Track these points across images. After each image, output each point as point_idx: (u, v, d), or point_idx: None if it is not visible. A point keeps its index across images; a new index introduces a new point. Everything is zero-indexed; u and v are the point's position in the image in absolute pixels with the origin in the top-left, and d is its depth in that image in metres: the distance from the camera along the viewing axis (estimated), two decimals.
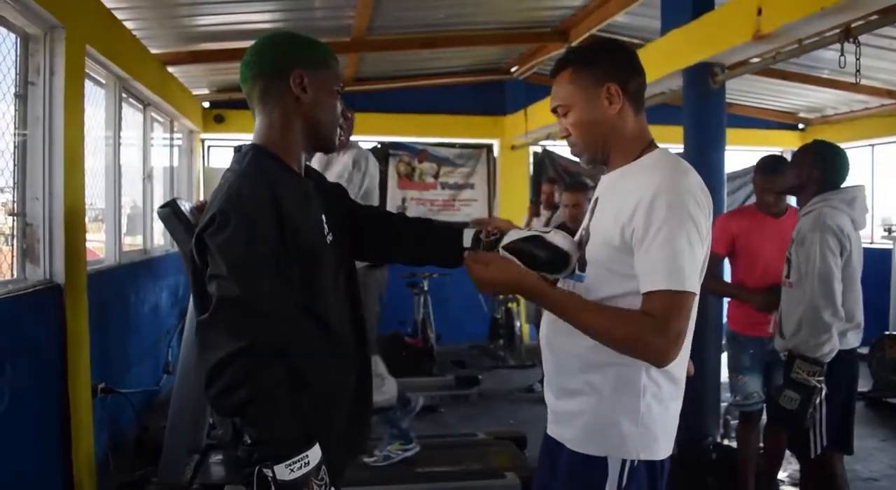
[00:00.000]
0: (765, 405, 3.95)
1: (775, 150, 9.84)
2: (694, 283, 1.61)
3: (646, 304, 1.61)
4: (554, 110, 1.85)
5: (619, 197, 1.71)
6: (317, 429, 1.56)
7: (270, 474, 1.44)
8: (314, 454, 1.50)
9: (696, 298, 1.64)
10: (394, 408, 3.81)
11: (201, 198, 7.91)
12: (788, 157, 3.57)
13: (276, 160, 1.69)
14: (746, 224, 3.78)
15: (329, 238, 1.73)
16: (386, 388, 3.74)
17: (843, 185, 3.20)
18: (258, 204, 1.55)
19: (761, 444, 3.99)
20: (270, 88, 1.72)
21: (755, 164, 3.91)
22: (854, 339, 3.15)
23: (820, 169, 3.18)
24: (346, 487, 1.79)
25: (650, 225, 1.60)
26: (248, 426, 1.47)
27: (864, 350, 6.20)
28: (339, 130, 1.82)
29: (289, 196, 1.61)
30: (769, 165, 3.80)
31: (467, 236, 1.91)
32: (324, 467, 1.52)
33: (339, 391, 1.73)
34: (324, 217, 1.74)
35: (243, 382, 1.45)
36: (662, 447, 1.73)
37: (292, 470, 1.45)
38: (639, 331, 1.59)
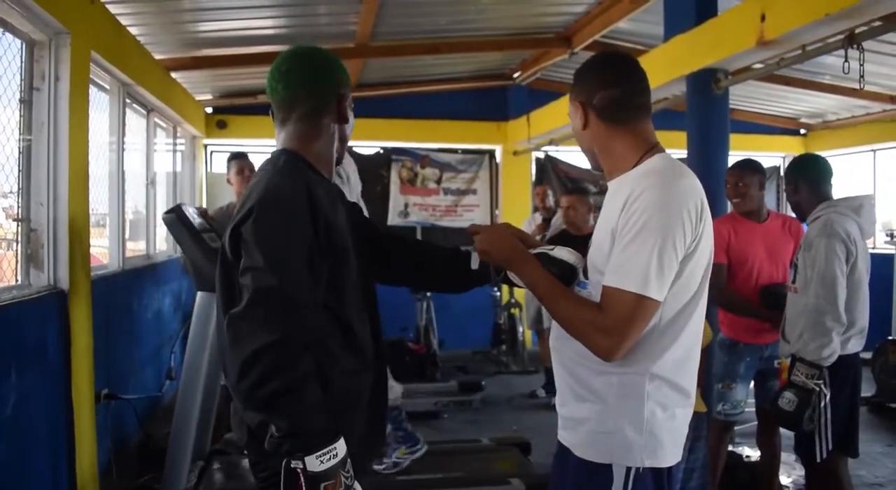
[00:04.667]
0: (756, 412, 3.95)
1: (778, 156, 9.88)
2: (656, 290, 1.61)
3: (603, 298, 1.66)
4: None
5: (612, 205, 1.74)
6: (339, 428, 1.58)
7: (300, 466, 1.46)
8: (341, 447, 1.53)
9: (658, 305, 1.64)
10: (398, 408, 3.83)
11: (204, 204, 7.91)
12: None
13: (309, 165, 1.77)
14: (735, 230, 3.77)
15: (352, 244, 1.78)
16: (393, 394, 3.77)
17: (840, 191, 3.30)
18: (295, 198, 1.61)
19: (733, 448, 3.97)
20: (321, 103, 1.79)
21: (736, 166, 3.88)
22: (857, 344, 3.16)
23: (806, 177, 3.30)
24: None
25: (627, 223, 1.64)
26: (279, 418, 1.48)
27: (867, 355, 6.19)
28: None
29: (321, 195, 1.68)
30: (741, 162, 3.85)
31: (475, 259, 1.96)
32: (349, 461, 1.54)
33: (357, 393, 1.76)
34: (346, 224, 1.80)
35: (276, 374, 1.47)
36: (669, 454, 1.72)
37: (322, 461, 1.47)
38: (586, 325, 1.66)
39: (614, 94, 1.79)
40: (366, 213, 3.94)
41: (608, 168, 1.82)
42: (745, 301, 3.72)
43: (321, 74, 1.81)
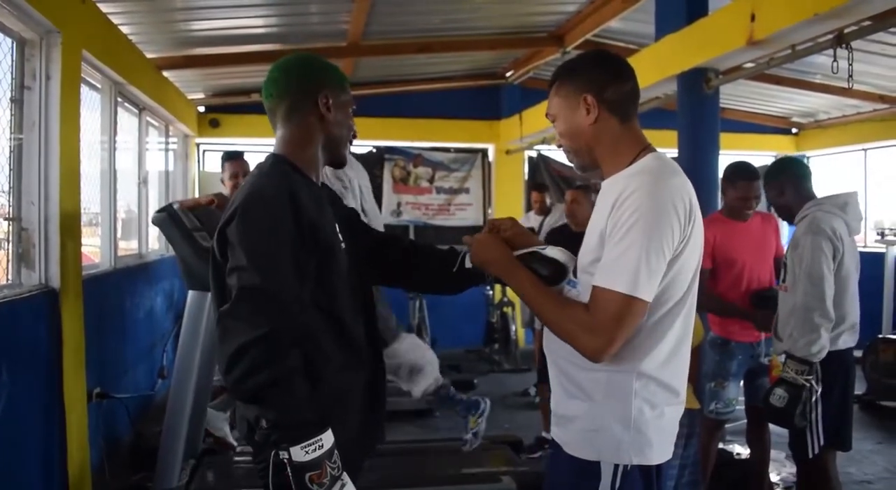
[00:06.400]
0: (745, 409, 3.97)
1: (769, 155, 9.92)
2: (645, 290, 1.61)
3: (592, 298, 1.66)
4: (548, 118, 1.92)
5: (602, 204, 1.74)
6: (329, 422, 1.62)
7: (286, 456, 1.52)
8: (328, 438, 1.58)
9: (646, 306, 1.64)
10: (444, 385, 3.83)
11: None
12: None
13: (295, 169, 1.80)
14: (721, 232, 3.76)
15: (343, 245, 1.82)
16: (429, 370, 3.77)
17: (832, 191, 3.30)
18: (277, 200, 1.66)
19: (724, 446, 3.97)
20: (298, 105, 1.83)
21: (730, 170, 3.86)
22: (849, 340, 3.19)
23: (790, 178, 3.33)
24: None
25: (617, 223, 1.64)
26: (265, 409, 1.55)
27: (858, 353, 6.21)
28: (349, 147, 1.95)
29: (305, 196, 1.72)
30: (751, 170, 3.81)
31: (469, 259, 1.98)
32: (336, 452, 1.59)
33: (350, 390, 1.80)
34: (337, 226, 1.83)
35: (262, 367, 1.53)
36: (657, 452, 1.73)
37: (307, 452, 1.53)
38: (574, 325, 1.66)
39: (626, 88, 1.79)
40: (377, 211, 3.98)
41: (608, 166, 1.80)
42: (730, 304, 3.74)
43: (295, 76, 1.85)
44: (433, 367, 3.80)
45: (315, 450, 1.54)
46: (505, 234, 1.94)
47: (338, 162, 1.94)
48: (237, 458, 4.21)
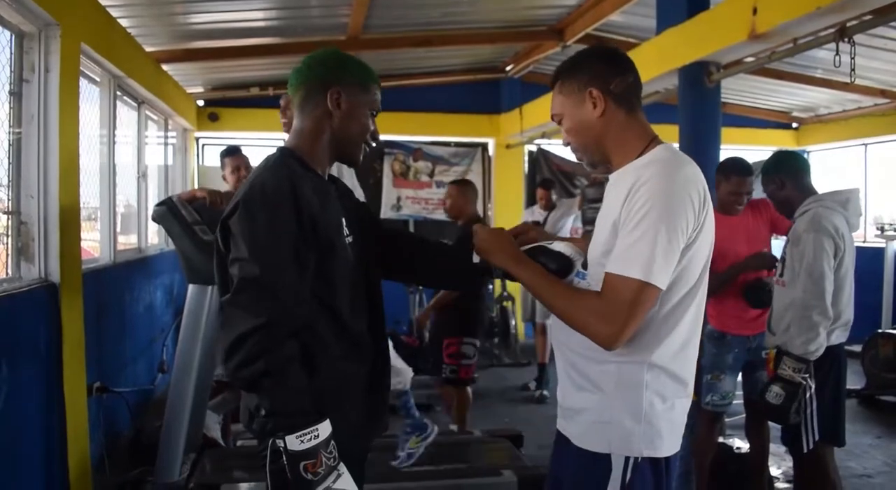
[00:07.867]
0: (744, 403, 3.97)
1: (770, 150, 9.90)
2: (659, 277, 1.60)
3: (605, 286, 1.64)
4: (553, 119, 1.91)
5: (614, 195, 1.72)
6: (327, 413, 1.64)
7: (282, 445, 1.55)
8: (324, 428, 1.60)
9: (659, 294, 1.63)
10: (407, 393, 3.83)
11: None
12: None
13: (301, 162, 1.81)
14: (715, 228, 3.71)
15: (349, 239, 1.83)
16: (401, 378, 3.78)
17: (831, 185, 3.30)
18: (278, 194, 1.68)
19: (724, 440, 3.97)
20: (310, 98, 1.85)
21: (724, 165, 3.83)
22: (842, 335, 3.19)
23: (789, 172, 3.30)
24: None
25: (630, 212, 1.63)
26: (262, 398, 1.58)
27: (857, 348, 6.22)
28: (364, 148, 1.95)
29: (308, 191, 1.73)
30: (746, 166, 3.79)
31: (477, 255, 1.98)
32: (333, 442, 1.61)
33: (349, 381, 1.81)
34: (344, 220, 1.84)
35: (260, 356, 1.56)
36: (667, 444, 1.73)
37: (302, 441, 1.56)
38: (587, 313, 1.64)
39: (629, 79, 1.79)
40: None
41: (617, 158, 1.79)
42: (722, 272, 3.69)
43: (312, 68, 1.87)
44: (407, 374, 3.82)
45: (311, 439, 1.56)
46: (528, 237, 1.94)
47: (347, 160, 1.95)
48: (237, 452, 4.20)
